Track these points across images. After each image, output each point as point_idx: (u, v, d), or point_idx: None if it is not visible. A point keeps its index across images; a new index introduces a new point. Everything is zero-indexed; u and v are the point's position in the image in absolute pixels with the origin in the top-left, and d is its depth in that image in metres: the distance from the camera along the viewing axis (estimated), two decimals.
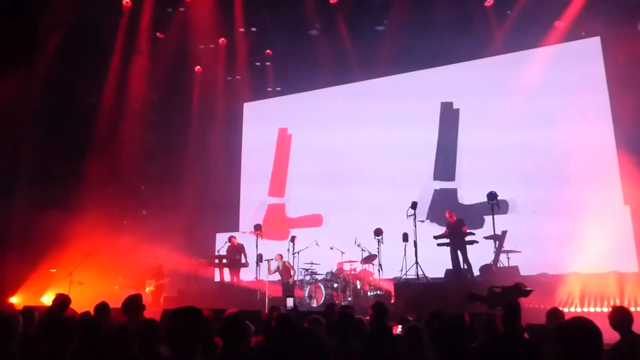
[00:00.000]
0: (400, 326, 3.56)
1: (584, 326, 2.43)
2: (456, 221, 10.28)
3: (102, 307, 5.15)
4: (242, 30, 13.50)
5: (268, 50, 14.05)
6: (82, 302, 6.54)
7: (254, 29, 13.54)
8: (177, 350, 2.49)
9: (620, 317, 4.13)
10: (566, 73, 11.40)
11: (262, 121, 15.20)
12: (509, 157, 11.75)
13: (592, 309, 8.46)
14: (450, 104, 12.69)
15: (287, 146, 14.70)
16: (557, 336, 2.40)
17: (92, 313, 5.03)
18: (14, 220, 11.63)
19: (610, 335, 3.86)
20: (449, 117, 12.68)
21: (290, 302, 3.98)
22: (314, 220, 13.76)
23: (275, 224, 14.07)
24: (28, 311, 5.09)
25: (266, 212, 14.57)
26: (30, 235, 11.38)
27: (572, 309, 8.43)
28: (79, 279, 10.32)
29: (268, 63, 14.38)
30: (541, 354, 2.11)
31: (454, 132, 12.64)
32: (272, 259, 11.53)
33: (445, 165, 12.61)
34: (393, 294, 9.59)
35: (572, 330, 2.41)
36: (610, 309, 4.30)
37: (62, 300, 5.72)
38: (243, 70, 14.38)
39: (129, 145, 13.95)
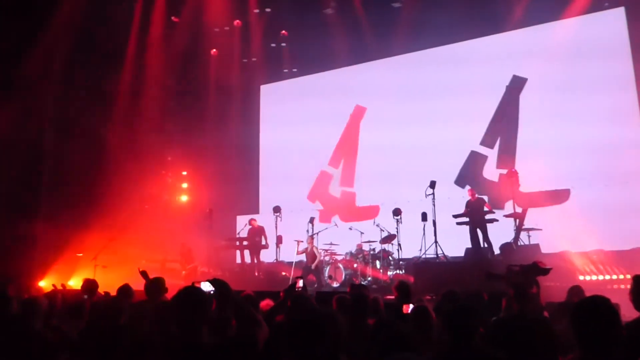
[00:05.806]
0: (412, 305, 3.56)
1: (597, 306, 2.23)
2: (477, 200, 10.16)
3: (124, 289, 5.34)
4: (256, 11, 13.39)
5: (283, 31, 13.93)
6: (107, 285, 6.74)
7: (268, 10, 13.42)
8: (182, 329, 2.54)
9: None
10: (589, 46, 11.04)
11: (279, 102, 15.15)
12: (530, 130, 11.52)
13: (614, 276, 8.30)
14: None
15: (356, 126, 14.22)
16: (569, 318, 2.22)
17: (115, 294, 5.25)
18: (41, 206, 11.90)
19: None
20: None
21: (300, 282, 4.04)
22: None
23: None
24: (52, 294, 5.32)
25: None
26: (56, 220, 11.64)
27: (594, 277, 8.32)
28: (103, 262, 10.58)
29: (283, 44, 14.27)
30: (554, 332, 2.04)
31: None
32: (302, 241, 11.54)
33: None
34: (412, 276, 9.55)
35: (584, 311, 2.23)
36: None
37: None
38: (258, 52, 14.30)
39: (148, 131, 14.07)
